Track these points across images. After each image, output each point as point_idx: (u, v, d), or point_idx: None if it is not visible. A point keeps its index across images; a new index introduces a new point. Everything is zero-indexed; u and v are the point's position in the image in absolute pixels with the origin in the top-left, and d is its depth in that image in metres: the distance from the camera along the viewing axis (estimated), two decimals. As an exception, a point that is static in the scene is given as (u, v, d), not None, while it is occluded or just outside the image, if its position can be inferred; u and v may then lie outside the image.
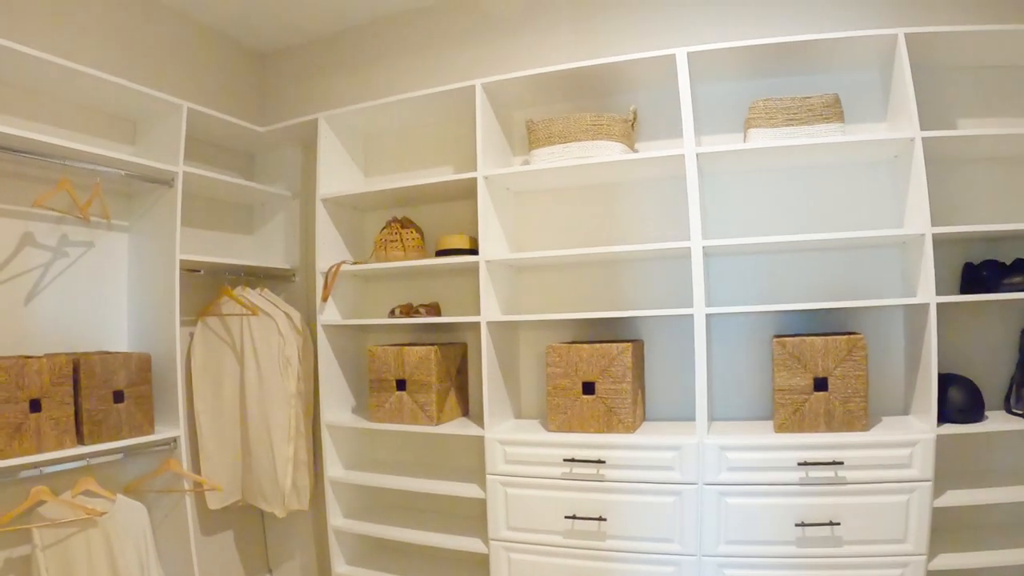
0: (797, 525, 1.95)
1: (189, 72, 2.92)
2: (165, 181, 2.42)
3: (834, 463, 1.94)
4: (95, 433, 2.10)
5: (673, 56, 2.17)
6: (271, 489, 2.66)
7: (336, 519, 2.64)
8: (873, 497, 1.92)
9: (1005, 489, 1.96)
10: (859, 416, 1.99)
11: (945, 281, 2.15)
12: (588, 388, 2.23)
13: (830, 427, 2.01)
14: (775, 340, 2.07)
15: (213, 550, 2.83)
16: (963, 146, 2.07)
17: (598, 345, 2.23)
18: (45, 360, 1.99)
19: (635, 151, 2.41)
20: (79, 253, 2.40)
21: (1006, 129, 1.95)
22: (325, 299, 2.66)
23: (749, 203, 2.38)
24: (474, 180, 2.39)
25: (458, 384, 2.64)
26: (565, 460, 2.18)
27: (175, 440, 2.36)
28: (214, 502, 2.66)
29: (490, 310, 2.37)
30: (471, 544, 2.37)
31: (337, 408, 2.75)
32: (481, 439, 2.36)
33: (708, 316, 2.14)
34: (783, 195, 2.35)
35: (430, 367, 2.43)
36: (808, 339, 2.03)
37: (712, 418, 2.28)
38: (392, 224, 2.66)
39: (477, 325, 2.42)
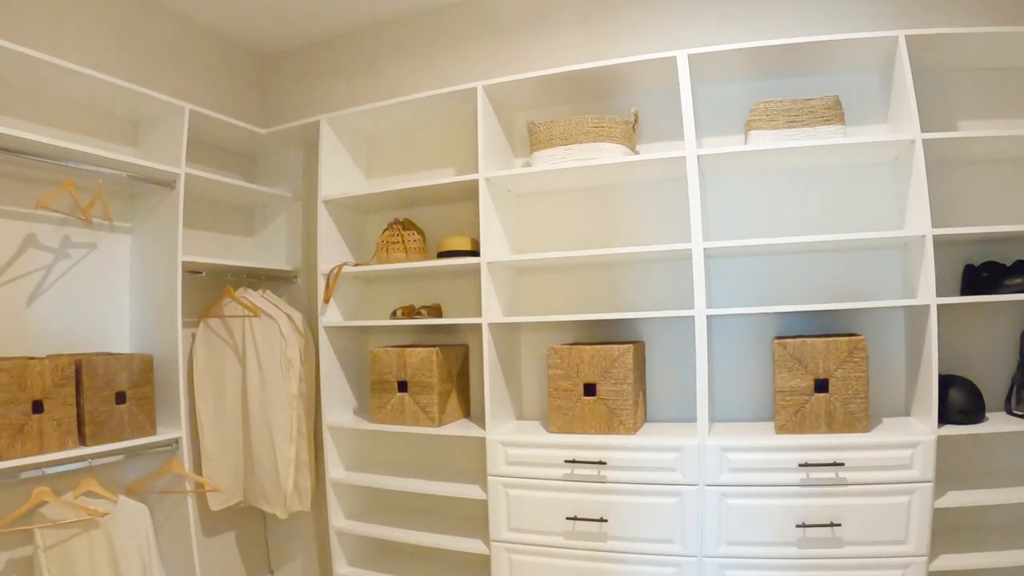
0: (798, 526, 1.96)
1: (191, 74, 2.93)
2: (167, 183, 2.43)
3: (835, 464, 1.94)
4: (97, 434, 2.11)
5: (674, 58, 2.18)
6: (273, 490, 2.66)
7: (338, 520, 2.64)
8: (874, 498, 1.92)
9: (1006, 490, 1.96)
10: (860, 417, 2.00)
11: (946, 282, 2.15)
12: (589, 389, 2.23)
13: (831, 428, 2.01)
14: (776, 341, 2.08)
15: (215, 551, 2.84)
16: (964, 148, 2.07)
17: (599, 347, 2.24)
18: (47, 361, 2.00)
19: (636, 153, 2.41)
20: (81, 254, 2.40)
21: (1007, 131, 1.95)
22: (327, 301, 2.66)
23: (750, 205, 2.38)
24: (475, 182, 2.40)
25: (459, 385, 2.65)
26: (566, 461, 2.19)
27: (177, 441, 2.37)
28: (216, 503, 2.67)
29: (491, 312, 2.38)
30: (472, 545, 2.37)
31: (339, 409, 2.75)
32: (482, 440, 2.36)
33: (709, 317, 2.15)
34: (784, 197, 2.36)
35: (432, 368, 2.44)
36: (809, 340, 2.04)
37: (713, 419, 2.28)
38: (394, 226, 2.66)
39: (479, 327, 2.42)
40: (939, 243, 2.03)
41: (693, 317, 2.12)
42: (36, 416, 1.94)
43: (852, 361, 2.00)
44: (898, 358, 2.24)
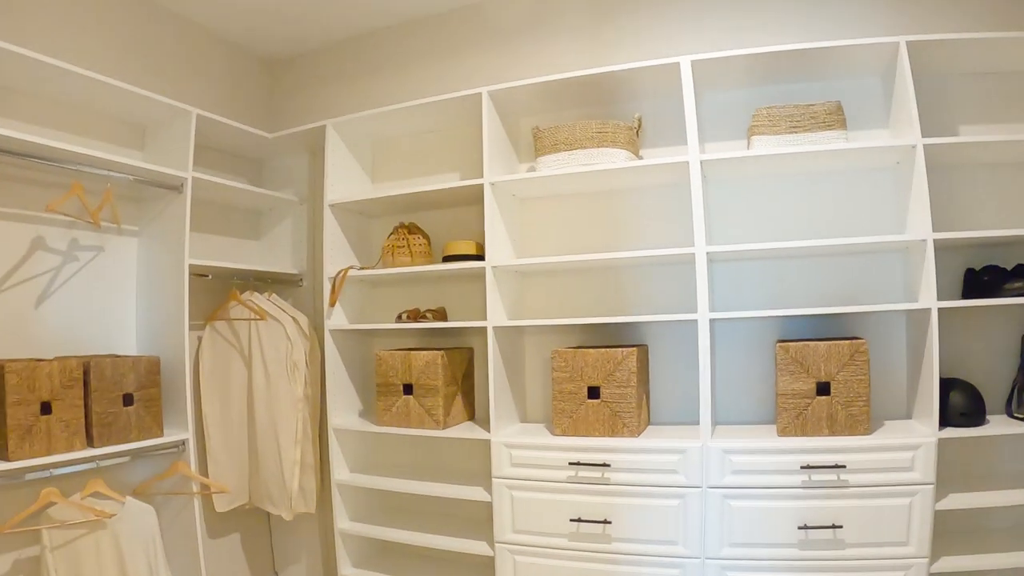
0: (800, 528, 1.97)
1: (198, 79, 2.95)
2: (174, 186, 2.45)
3: (836, 467, 1.95)
4: (104, 435, 2.12)
5: (677, 64, 2.20)
6: (278, 492, 2.67)
7: (342, 522, 2.66)
8: (875, 500, 1.93)
9: (1006, 492, 1.97)
10: (861, 420, 2.01)
11: (947, 286, 2.16)
12: (593, 392, 2.25)
13: (833, 431, 2.03)
14: (778, 345, 2.09)
15: (220, 552, 2.85)
16: (965, 152, 2.09)
17: (603, 350, 2.25)
18: (56, 363, 2.01)
19: (640, 158, 2.43)
20: (89, 257, 2.42)
21: (1007, 135, 1.97)
22: (332, 304, 2.68)
23: (752, 209, 2.40)
24: (481, 186, 2.42)
25: (464, 388, 2.66)
26: (570, 464, 2.20)
27: (183, 443, 2.38)
28: (221, 505, 2.68)
29: (496, 315, 2.39)
30: (477, 547, 2.38)
31: (344, 412, 2.76)
32: (487, 443, 2.37)
33: (712, 321, 2.16)
34: (786, 201, 2.37)
35: (437, 371, 2.45)
36: (811, 344, 2.05)
37: (716, 422, 2.30)
38: (399, 230, 2.68)
39: (483, 330, 2.44)
40: (940, 247, 2.04)
41: (696, 321, 2.14)
42: (44, 417, 1.96)
43: (853, 364, 2.02)
44: (899, 361, 2.26)
